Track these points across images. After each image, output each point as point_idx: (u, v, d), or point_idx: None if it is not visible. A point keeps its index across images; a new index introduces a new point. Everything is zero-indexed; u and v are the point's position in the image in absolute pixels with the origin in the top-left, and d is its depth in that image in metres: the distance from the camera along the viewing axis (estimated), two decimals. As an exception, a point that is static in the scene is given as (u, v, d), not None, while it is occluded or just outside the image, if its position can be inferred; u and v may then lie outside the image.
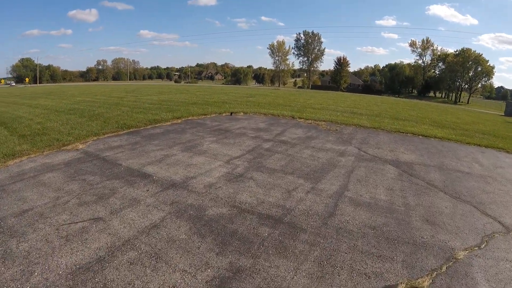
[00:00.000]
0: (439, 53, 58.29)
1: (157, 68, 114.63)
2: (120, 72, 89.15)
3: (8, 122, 7.14)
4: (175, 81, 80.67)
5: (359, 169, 4.18)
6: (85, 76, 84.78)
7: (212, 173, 3.75)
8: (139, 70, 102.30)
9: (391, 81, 61.27)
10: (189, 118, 7.55)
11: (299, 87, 62.23)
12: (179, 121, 7.16)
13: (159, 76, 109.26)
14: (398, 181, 3.77)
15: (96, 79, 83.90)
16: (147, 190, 3.17)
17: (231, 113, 8.34)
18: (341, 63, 54.93)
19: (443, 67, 56.59)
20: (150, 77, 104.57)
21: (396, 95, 54.17)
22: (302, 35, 63.24)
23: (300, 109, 9.89)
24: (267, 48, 65.89)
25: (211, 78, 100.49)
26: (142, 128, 6.29)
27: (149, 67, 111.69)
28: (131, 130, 6.06)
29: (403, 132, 6.95)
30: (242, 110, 8.83)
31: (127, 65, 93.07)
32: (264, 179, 3.63)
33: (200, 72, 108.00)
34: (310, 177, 3.75)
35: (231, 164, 4.17)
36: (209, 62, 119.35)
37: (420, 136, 6.68)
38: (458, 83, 54.64)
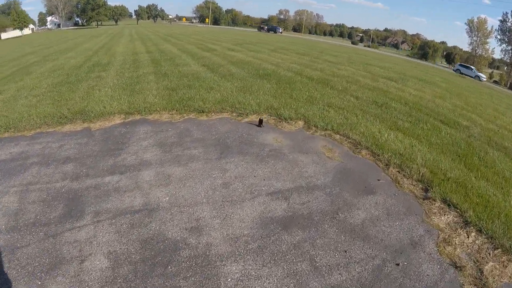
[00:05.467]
0: None
1: (341, 26, 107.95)
2: (301, 24, 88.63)
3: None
4: (352, 43, 73.78)
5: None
6: (265, 23, 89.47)
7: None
8: (321, 25, 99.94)
9: None
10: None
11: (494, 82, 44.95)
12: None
13: (341, 35, 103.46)
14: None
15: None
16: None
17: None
18: None
19: None
20: (331, 34, 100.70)
21: None
22: (510, 16, 45.97)
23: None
24: (465, 23, 57.00)
25: (396, 46, 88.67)
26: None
27: (334, 23, 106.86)
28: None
29: None
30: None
31: (308, 18, 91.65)
32: None
33: (386, 38, 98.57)
34: None
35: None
36: (398, 29, 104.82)
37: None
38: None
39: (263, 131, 4.97)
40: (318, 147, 4.52)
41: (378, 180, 3.74)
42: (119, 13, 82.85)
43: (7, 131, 4.91)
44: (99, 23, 71.14)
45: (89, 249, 2.56)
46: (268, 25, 72.99)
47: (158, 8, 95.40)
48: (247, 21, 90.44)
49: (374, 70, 12.60)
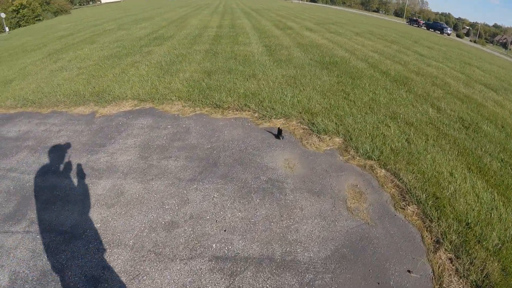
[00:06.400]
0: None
1: (447, 15, 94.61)
2: (402, 9, 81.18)
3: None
4: (457, 35, 61.56)
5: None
6: (365, 4, 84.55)
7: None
8: (425, 11, 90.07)
9: None
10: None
11: None
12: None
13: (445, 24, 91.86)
14: None
15: (377, 11, 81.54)
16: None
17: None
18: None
19: None
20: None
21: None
22: None
23: None
24: None
25: (504, 45, 72.24)
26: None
27: (439, 12, 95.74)
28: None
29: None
30: None
31: (411, 3, 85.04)
32: None
33: (494, 35, 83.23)
34: None
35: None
36: (508, 27, 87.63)
37: None
38: None
39: (278, 146, 3.70)
40: (344, 186, 3.02)
41: (409, 272, 2.14)
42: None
43: (31, 106, 5.03)
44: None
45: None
46: (429, 20, 54.58)
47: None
48: (346, 1, 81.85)
49: (473, 73, 9.02)
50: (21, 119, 4.62)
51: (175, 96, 5.05)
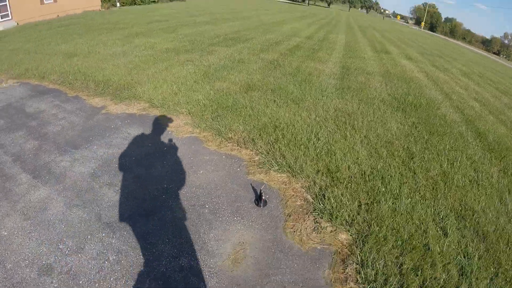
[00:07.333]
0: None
1: None
2: None
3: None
4: None
5: None
6: (486, 44, 73.51)
7: None
8: None
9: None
10: None
11: None
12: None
13: None
14: None
15: (497, 53, 69.17)
16: None
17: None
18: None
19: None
20: None
21: None
22: None
23: None
24: None
25: None
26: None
27: None
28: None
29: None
30: None
31: None
32: None
33: None
34: None
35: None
36: None
37: None
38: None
39: (248, 217, 2.52)
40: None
41: None
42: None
43: (66, 86, 5.14)
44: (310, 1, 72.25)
45: None
46: None
47: None
48: (466, 36, 69.63)
49: None
50: (49, 97, 4.74)
51: (186, 109, 4.38)
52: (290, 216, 2.58)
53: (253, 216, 2.54)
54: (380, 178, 3.21)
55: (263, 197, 2.65)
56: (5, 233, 2.23)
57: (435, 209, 2.82)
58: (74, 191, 2.65)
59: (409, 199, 2.91)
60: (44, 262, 2.04)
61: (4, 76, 5.55)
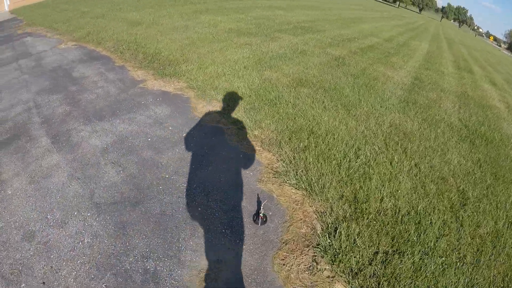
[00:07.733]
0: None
1: None
2: None
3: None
4: None
5: None
6: None
7: None
8: None
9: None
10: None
11: None
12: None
13: None
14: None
15: None
16: None
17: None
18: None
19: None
20: None
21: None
22: None
23: None
24: None
25: None
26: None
27: None
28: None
29: None
30: None
31: None
32: None
33: None
34: None
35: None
36: None
37: None
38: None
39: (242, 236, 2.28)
40: None
41: None
42: (425, 3, 76.28)
43: (117, 54, 5.40)
44: (400, 4, 68.34)
45: None
46: None
47: (468, 14, 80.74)
48: None
49: None
50: (97, 63, 5.00)
51: (222, 95, 4.19)
52: (286, 244, 2.22)
53: (245, 234, 2.25)
54: (416, 222, 2.61)
55: (262, 214, 2.33)
56: (10, 193, 2.33)
57: (471, 280, 2.17)
58: (80, 163, 2.68)
59: (443, 258, 2.30)
60: (30, 228, 2.07)
61: (66, 37, 6.04)
